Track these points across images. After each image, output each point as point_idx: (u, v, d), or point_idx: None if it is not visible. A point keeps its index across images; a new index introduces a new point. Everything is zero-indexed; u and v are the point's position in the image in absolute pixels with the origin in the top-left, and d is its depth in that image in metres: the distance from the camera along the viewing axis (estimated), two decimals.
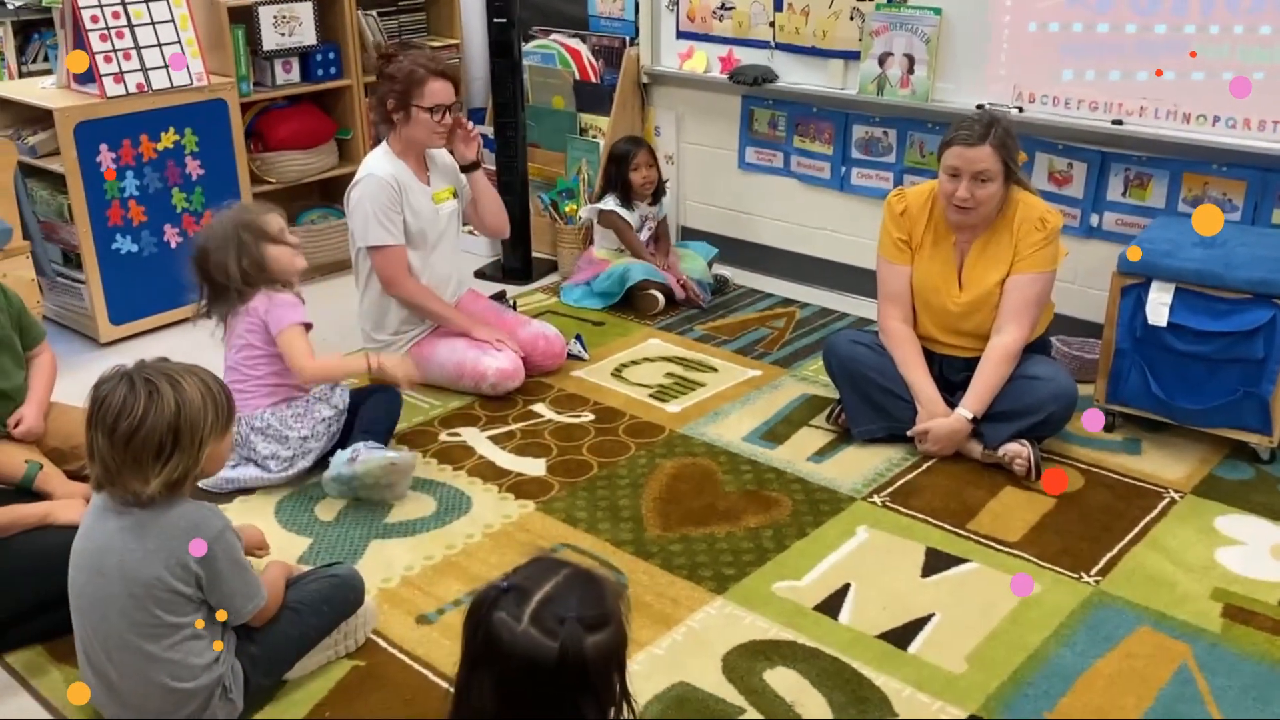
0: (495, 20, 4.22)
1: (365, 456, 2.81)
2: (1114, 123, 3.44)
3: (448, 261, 3.59)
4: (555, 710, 1.39)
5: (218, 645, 2.06)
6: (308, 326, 2.94)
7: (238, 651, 2.13)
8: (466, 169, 3.59)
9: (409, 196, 3.40)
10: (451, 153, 3.60)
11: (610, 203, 4.18)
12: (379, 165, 3.40)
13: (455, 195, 3.60)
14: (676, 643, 2.36)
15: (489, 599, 1.42)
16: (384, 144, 3.46)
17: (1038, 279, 2.97)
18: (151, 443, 1.93)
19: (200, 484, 2.90)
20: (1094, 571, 2.59)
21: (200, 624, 2.03)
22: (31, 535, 2.35)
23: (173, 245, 3.93)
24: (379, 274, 3.42)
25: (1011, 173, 2.94)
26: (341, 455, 2.85)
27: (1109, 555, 2.65)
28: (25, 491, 2.52)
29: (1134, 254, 3.00)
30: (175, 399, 1.95)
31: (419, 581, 2.58)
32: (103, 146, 3.69)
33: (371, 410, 3.02)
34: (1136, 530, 2.75)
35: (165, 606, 1.98)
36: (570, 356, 3.68)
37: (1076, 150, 3.59)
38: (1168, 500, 2.88)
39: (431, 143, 3.42)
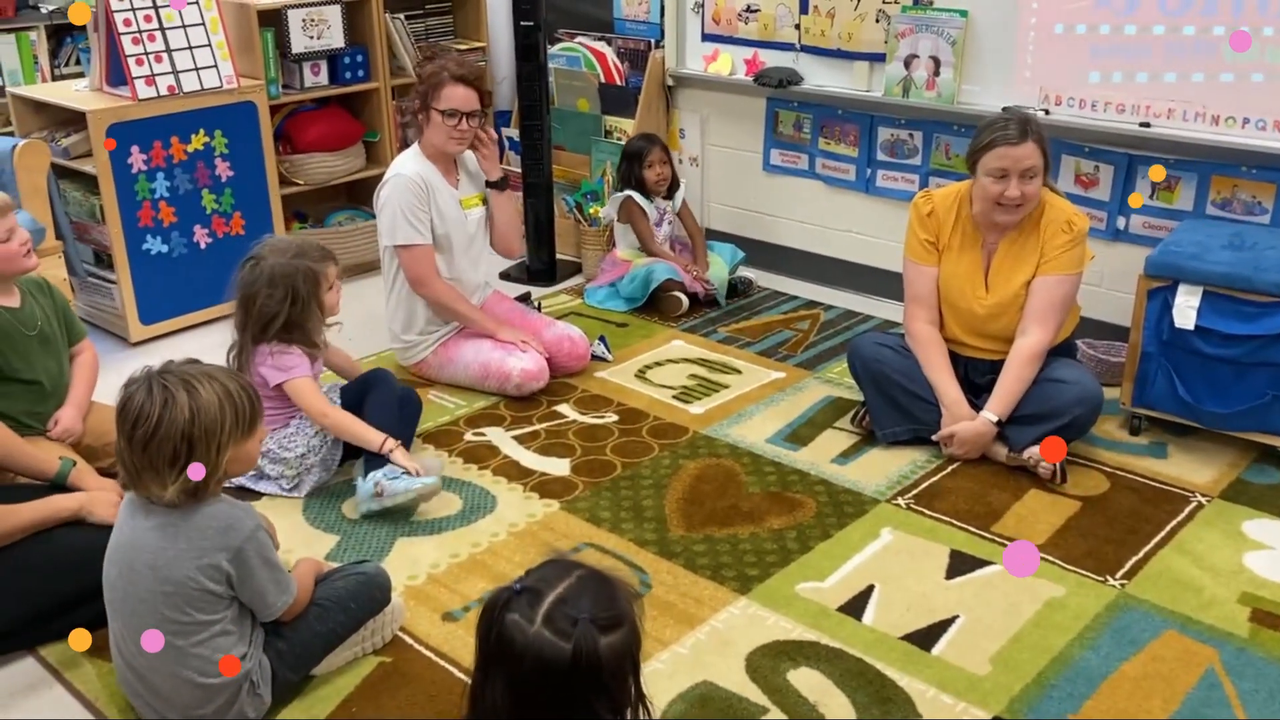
0: (521, 23, 4.24)
1: (391, 491, 2.78)
2: (1141, 125, 3.42)
3: (475, 268, 3.61)
4: (569, 711, 1.40)
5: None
6: (309, 376, 2.93)
7: (265, 647, 2.15)
8: (490, 185, 3.62)
9: (435, 198, 3.42)
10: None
11: (631, 192, 4.20)
12: (407, 165, 3.43)
13: (485, 202, 3.62)
14: (700, 642, 2.37)
15: (501, 600, 1.43)
16: (415, 145, 3.50)
17: (1064, 281, 2.96)
18: (166, 450, 1.94)
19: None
20: (1119, 575, 2.58)
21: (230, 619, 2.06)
22: (64, 532, 2.38)
23: (202, 246, 3.98)
24: (407, 273, 3.44)
25: (1048, 168, 2.94)
26: (366, 487, 2.80)
27: (1135, 559, 2.64)
28: (59, 488, 2.55)
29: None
30: (190, 406, 1.95)
31: (445, 579, 2.60)
32: (134, 148, 3.74)
33: (375, 414, 2.94)
34: (1163, 534, 2.74)
35: (196, 604, 2.01)
36: (594, 358, 3.70)
37: (1103, 153, 3.57)
38: (1194, 504, 2.86)
39: (448, 147, 3.44)
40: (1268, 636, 2.38)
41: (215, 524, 2.01)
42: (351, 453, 2.99)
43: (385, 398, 2.99)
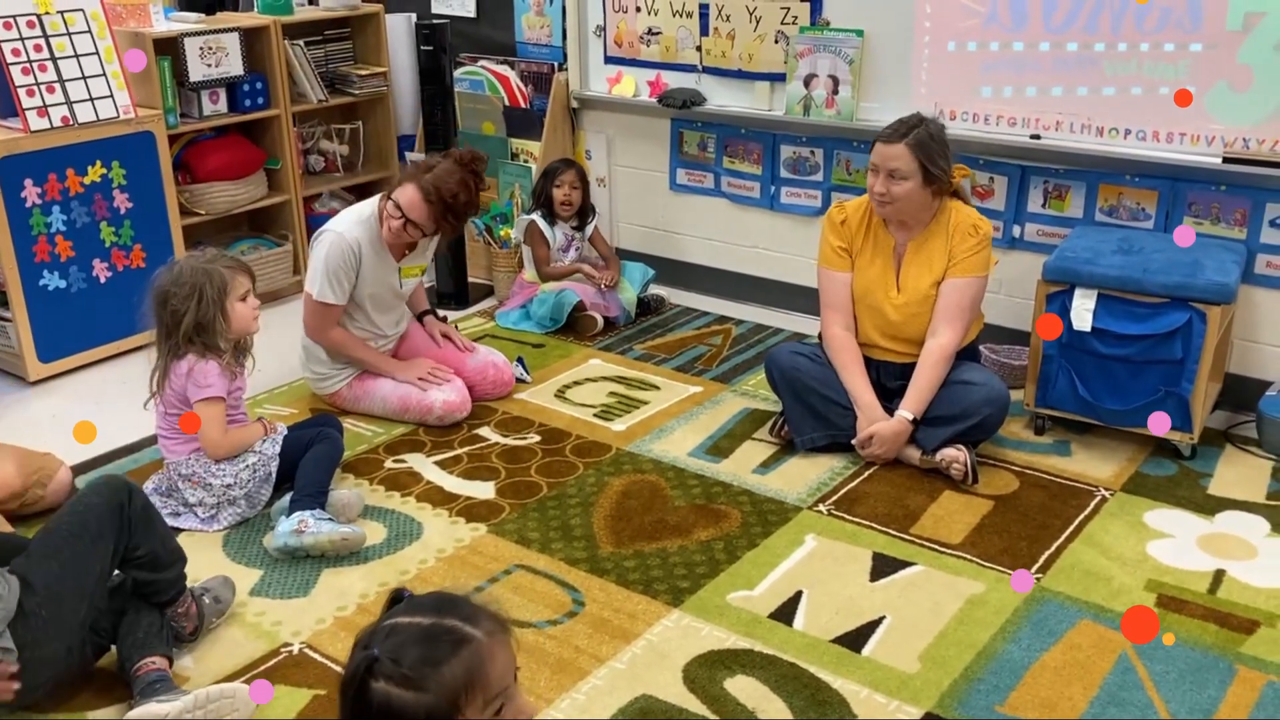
0: (423, 48, 4.24)
1: (315, 529, 2.73)
2: (1032, 137, 3.57)
3: (395, 324, 3.59)
4: None
5: None
6: (223, 399, 2.88)
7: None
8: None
9: (367, 265, 3.37)
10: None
11: (535, 216, 4.22)
12: (353, 228, 3.35)
13: (423, 272, 3.63)
14: (636, 656, 2.39)
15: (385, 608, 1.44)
16: (375, 204, 3.41)
17: (971, 283, 3.08)
18: None
19: None
20: (1034, 569, 2.68)
21: None
22: None
23: (102, 280, 3.87)
24: (307, 319, 3.40)
25: (932, 176, 3.01)
26: (287, 523, 2.75)
27: (1047, 553, 2.75)
28: None
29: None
30: None
31: (375, 609, 2.57)
32: (27, 181, 3.62)
33: (312, 466, 2.90)
34: (1071, 528, 2.85)
35: None
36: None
37: (997, 164, 3.72)
38: (1099, 498, 2.99)
39: (383, 232, 3.36)
40: (1174, 620, 2.50)
41: None
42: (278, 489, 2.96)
43: (331, 453, 2.98)
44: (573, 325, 4.14)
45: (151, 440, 3.28)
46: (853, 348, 3.20)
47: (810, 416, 3.20)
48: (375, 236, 3.38)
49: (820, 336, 3.36)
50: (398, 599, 1.46)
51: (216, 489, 2.88)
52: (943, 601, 2.57)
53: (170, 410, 2.88)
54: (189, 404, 2.85)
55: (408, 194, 3.30)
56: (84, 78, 3.77)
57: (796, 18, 3.95)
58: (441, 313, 4.17)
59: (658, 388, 3.70)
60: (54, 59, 3.72)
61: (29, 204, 3.64)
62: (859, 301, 3.20)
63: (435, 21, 4.31)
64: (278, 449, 2.96)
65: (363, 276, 3.38)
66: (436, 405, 3.40)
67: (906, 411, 3.08)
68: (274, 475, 2.95)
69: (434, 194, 3.28)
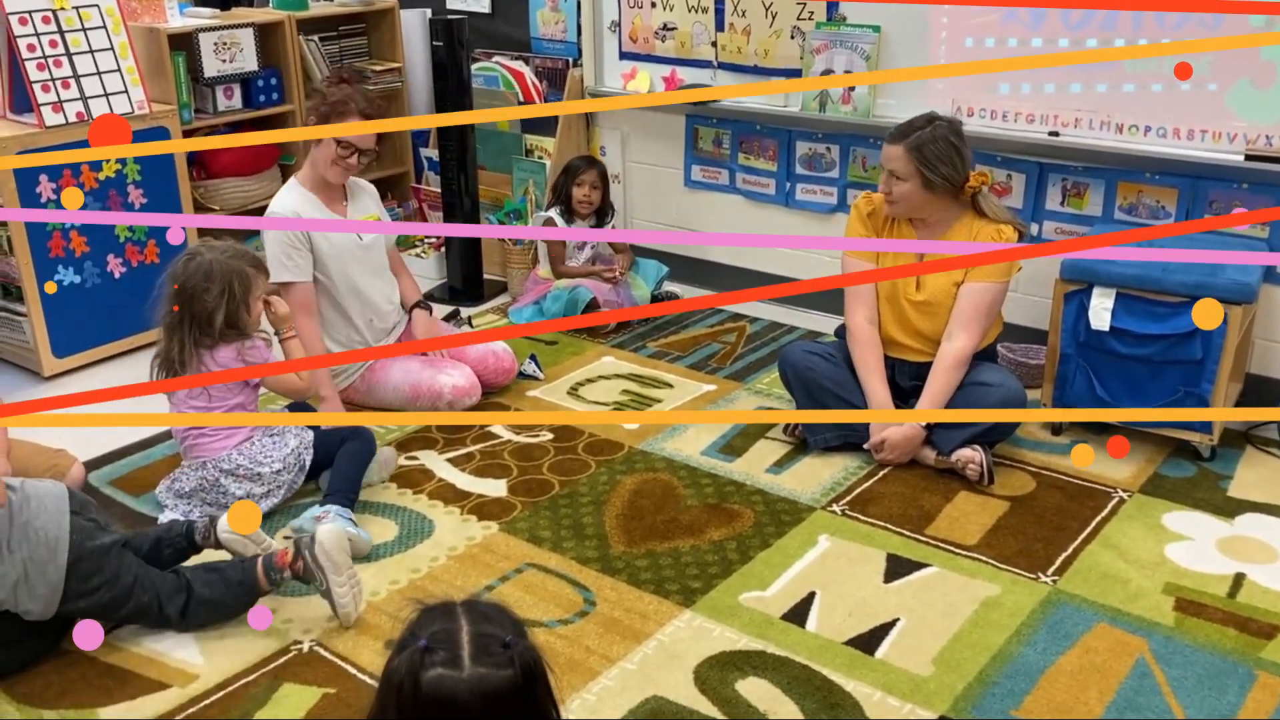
0: (434, 43, 4.22)
1: (330, 521, 2.71)
2: (1050, 134, 3.54)
3: (382, 287, 3.55)
4: None
5: None
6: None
7: None
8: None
9: (314, 232, 3.36)
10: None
11: (553, 213, 4.21)
12: (281, 201, 3.38)
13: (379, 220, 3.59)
14: (648, 657, 2.38)
15: (413, 663, 1.33)
16: (294, 178, 3.44)
17: (990, 288, 3.05)
18: None
19: None
20: (1050, 571, 2.65)
21: None
22: None
23: (116, 276, 3.87)
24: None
25: (929, 181, 2.98)
26: (312, 510, 2.82)
27: (1064, 555, 2.72)
28: None
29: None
30: None
31: (386, 607, 2.57)
32: (42, 177, 3.63)
33: (346, 463, 2.92)
34: (1089, 530, 2.82)
35: None
36: (526, 376, 3.69)
37: (1015, 162, 3.68)
38: (1117, 500, 2.96)
39: (329, 174, 3.34)
40: (1192, 624, 2.47)
41: None
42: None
43: (363, 452, 2.98)
44: None
45: (164, 436, 3.28)
46: (875, 344, 3.16)
47: None
48: (309, 199, 3.37)
49: (838, 331, 3.35)
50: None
51: (267, 477, 2.90)
52: (957, 603, 2.54)
53: (218, 401, 2.88)
54: (237, 389, 2.90)
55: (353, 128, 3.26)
56: (99, 73, 3.77)
57: (813, 13, 3.92)
58: (466, 313, 4.18)
59: (671, 386, 3.68)
60: (69, 54, 3.72)
61: (44, 199, 3.65)
62: (882, 296, 3.17)
63: (450, 17, 4.30)
64: (311, 435, 2.98)
65: (322, 238, 3.34)
66: (446, 390, 3.39)
67: None
68: (308, 465, 2.97)
69: (374, 113, 3.34)
